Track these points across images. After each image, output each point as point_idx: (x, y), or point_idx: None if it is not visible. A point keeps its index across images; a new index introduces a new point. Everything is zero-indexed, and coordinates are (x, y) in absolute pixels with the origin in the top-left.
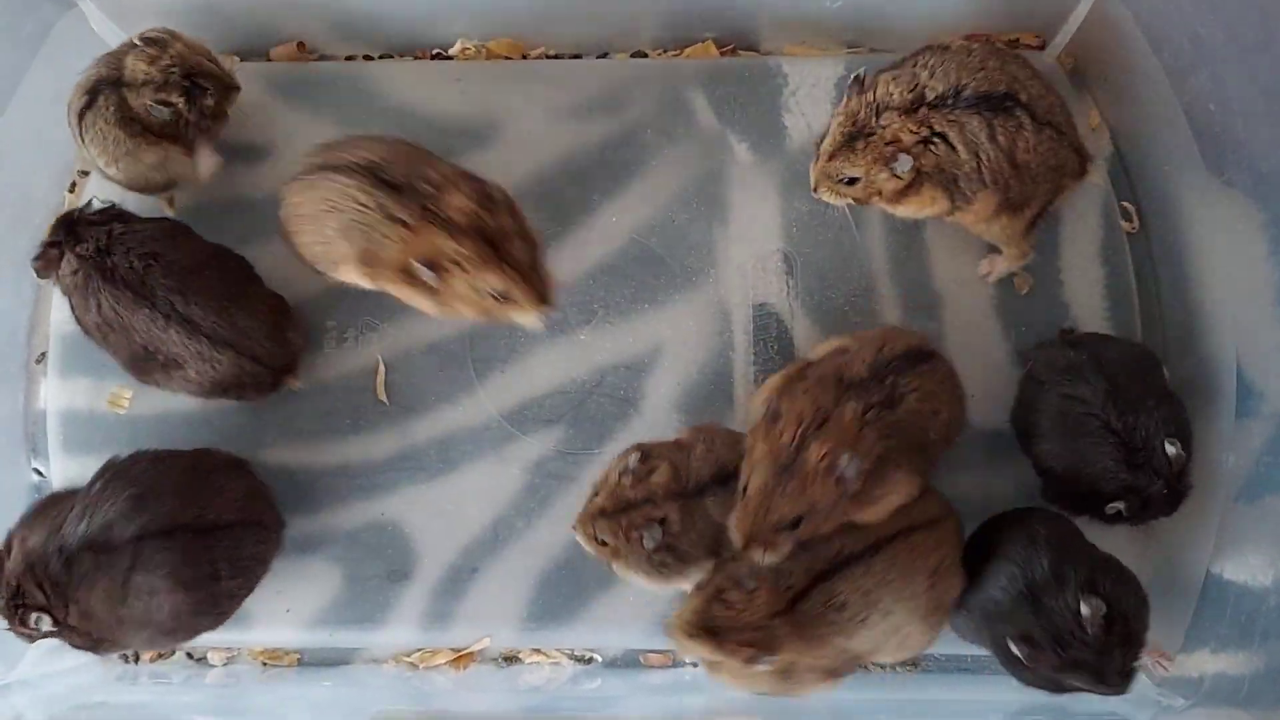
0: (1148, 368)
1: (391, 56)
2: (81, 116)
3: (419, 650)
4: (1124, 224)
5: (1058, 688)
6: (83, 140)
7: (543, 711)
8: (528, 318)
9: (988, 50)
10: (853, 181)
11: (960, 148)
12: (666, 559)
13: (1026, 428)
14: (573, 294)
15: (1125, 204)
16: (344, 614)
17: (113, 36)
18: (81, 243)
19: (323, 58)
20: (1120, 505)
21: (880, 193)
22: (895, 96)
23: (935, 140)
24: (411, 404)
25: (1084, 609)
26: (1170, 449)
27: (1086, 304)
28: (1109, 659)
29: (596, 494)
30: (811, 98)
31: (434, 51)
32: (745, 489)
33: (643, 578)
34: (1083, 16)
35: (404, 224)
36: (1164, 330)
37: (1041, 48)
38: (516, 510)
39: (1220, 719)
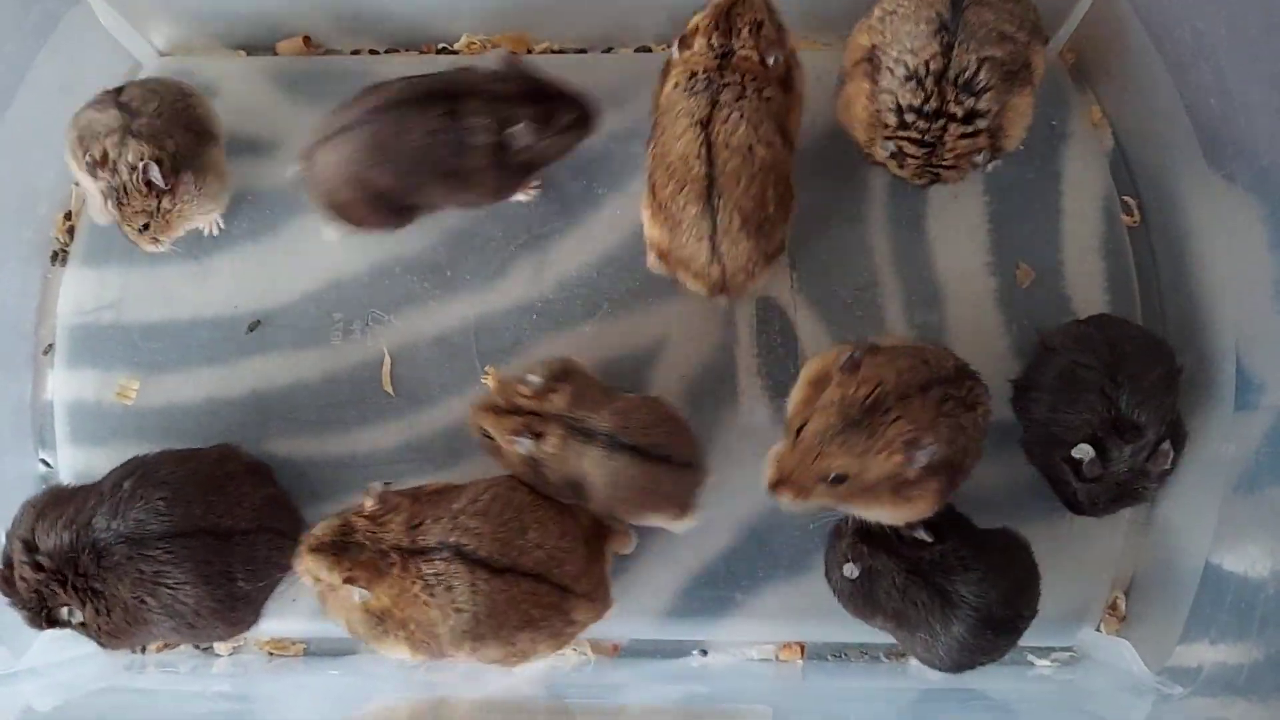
0: (1161, 359)
1: (397, 51)
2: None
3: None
4: (1125, 218)
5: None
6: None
7: (548, 700)
8: None
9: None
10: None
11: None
12: (530, 476)
13: (1028, 385)
14: (577, 288)
15: (1126, 198)
16: None
17: (120, 30)
18: None
19: (328, 52)
20: (1089, 450)
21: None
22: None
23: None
24: (417, 396)
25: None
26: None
27: (1087, 297)
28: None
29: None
30: (814, 91)
31: (439, 46)
32: (799, 430)
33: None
34: (1084, 11)
35: None
36: (1164, 323)
37: (1044, 43)
38: None
39: (1218, 707)
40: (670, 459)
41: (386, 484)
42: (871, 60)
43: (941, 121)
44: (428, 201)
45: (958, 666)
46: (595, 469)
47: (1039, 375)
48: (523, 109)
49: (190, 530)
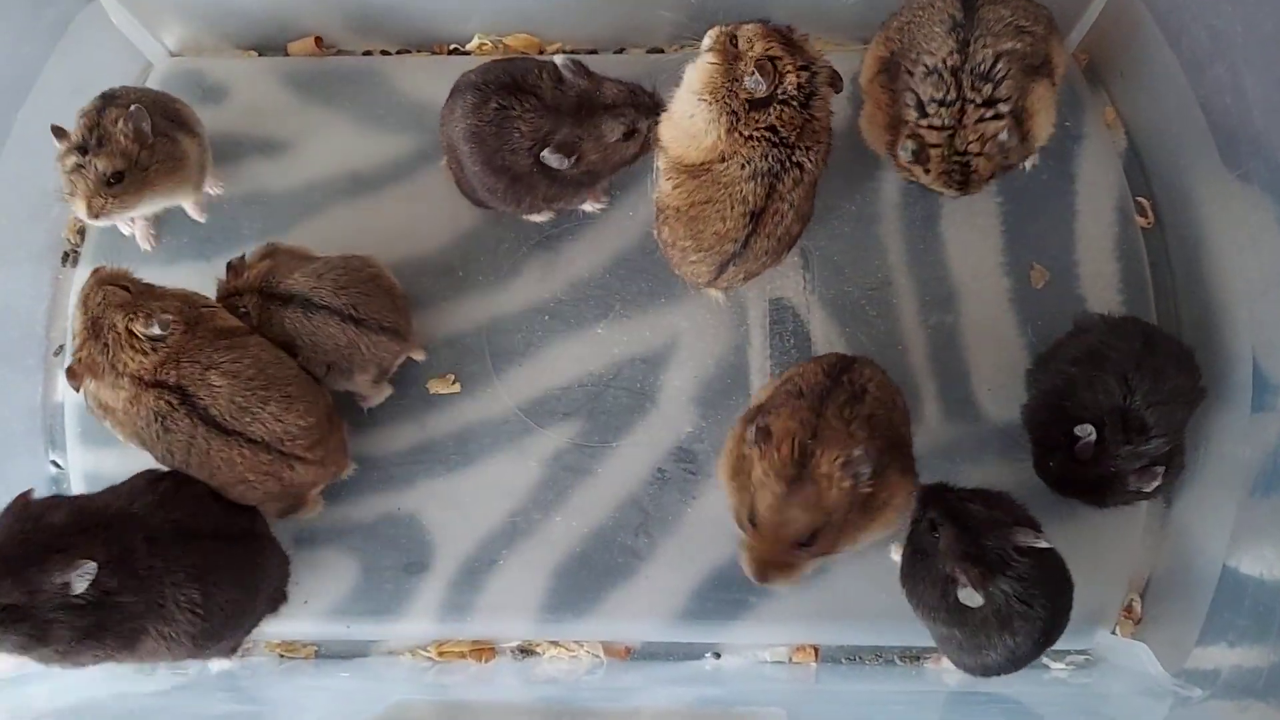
0: (1190, 372)
1: (409, 52)
2: None
3: (436, 642)
4: (1139, 219)
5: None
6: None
7: (560, 703)
8: None
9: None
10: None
11: None
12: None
13: (1050, 357)
14: (589, 288)
15: (1140, 199)
16: (361, 606)
17: (132, 30)
18: None
19: (340, 52)
20: (1092, 430)
21: None
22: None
23: None
24: (429, 397)
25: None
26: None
27: (1102, 298)
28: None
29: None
30: None
31: (451, 47)
32: (751, 517)
33: None
34: (1098, 12)
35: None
36: (1179, 324)
37: (1061, 38)
38: (533, 503)
39: (1237, 710)
40: (364, 320)
41: (174, 320)
42: (889, 70)
43: (959, 103)
44: (489, 191)
45: (994, 673)
46: (296, 331)
47: (1064, 349)
48: (565, 125)
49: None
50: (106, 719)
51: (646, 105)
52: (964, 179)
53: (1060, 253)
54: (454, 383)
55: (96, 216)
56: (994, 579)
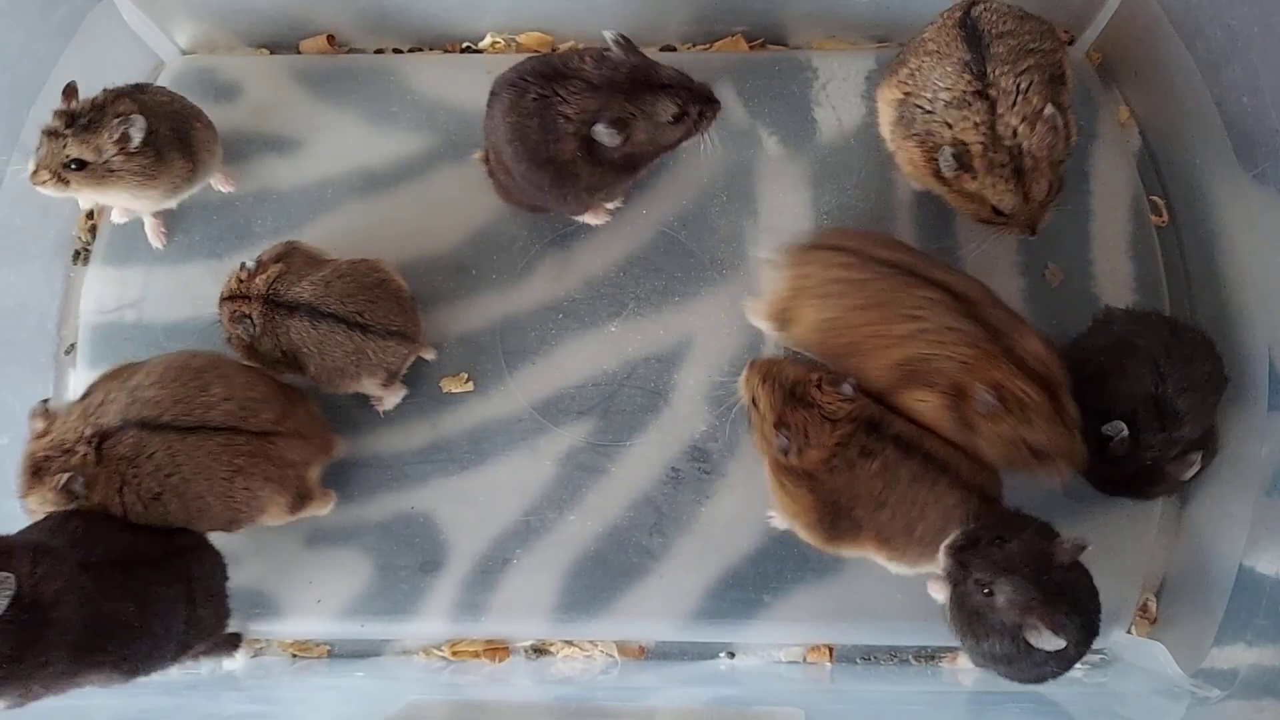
0: (1214, 360)
1: (421, 50)
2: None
3: (449, 641)
4: (1154, 217)
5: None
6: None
7: (574, 702)
8: (1053, 479)
9: None
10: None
11: None
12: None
13: (1074, 353)
14: (603, 287)
15: (1154, 198)
16: (375, 605)
17: (144, 28)
18: None
19: (352, 51)
20: (1122, 427)
21: None
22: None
23: None
24: (443, 396)
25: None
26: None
27: (1116, 297)
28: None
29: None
30: (841, 91)
31: (463, 45)
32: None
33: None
34: (1113, 11)
35: (975, 345)
36: (1194, 322)
37: (1070, 42)
38: (547, 502)
39: (1256, 710)
40: (370, 326)
41: (45, 401)
42: (903, 116)
43: (990, 101)
44: (537, 189)
45: (1049, 679)
46: (302, 340)
47: (1089, 341)
48: (616, 101)
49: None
50: (115, 717)
51: (700, 91)
52: (1018, 170)
53: (1075, 252)
54: (467, 381)
55: (39, 185)
56: (1058, 609)
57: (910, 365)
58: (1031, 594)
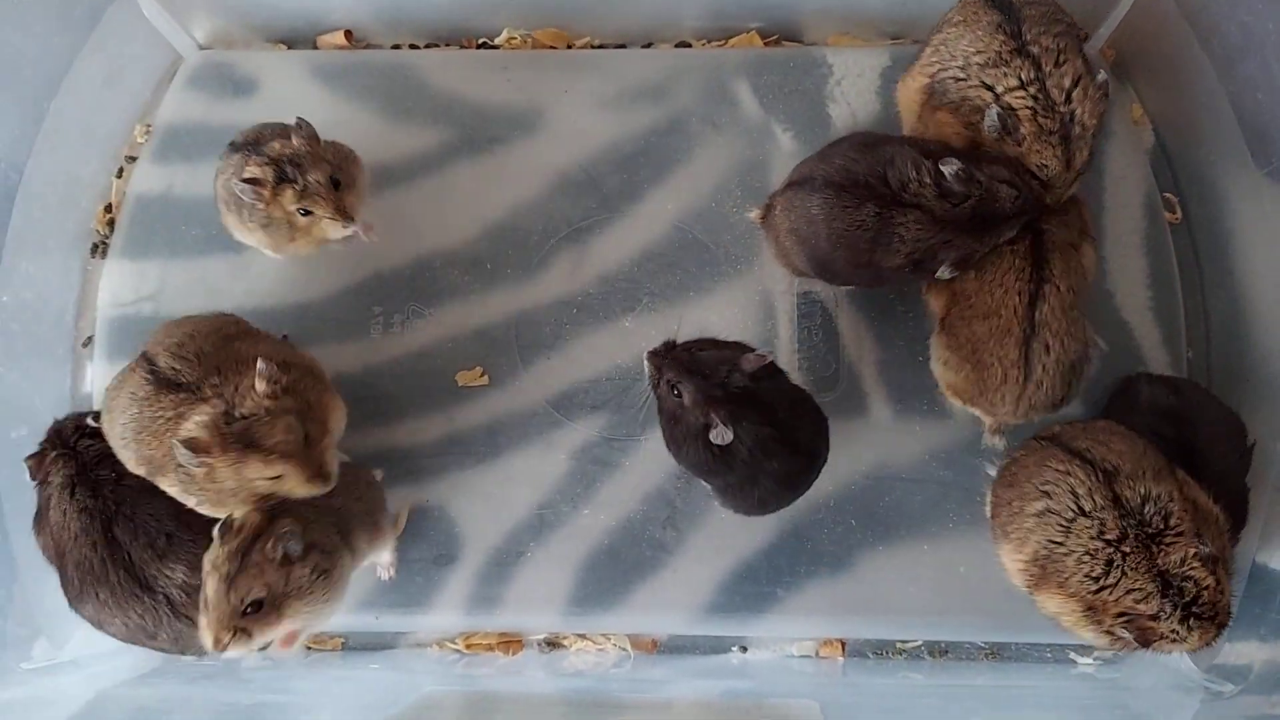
0: (1237, 439)
1: (438, 46)
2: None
3: (463, 634)
4: (1167, 215)
5: None
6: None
7: (588, 695)
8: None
9: None
10: None
11: None
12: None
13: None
14: (618, 281)
15: (1168, 195)
16: (389, 598)
17: (163, 23)
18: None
19: (369, 46)
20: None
21: None
22: None
23: None
24: (458, 390)
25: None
26: None
27: (1130, 294)
28: None
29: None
30: (856, 88)
31: (480, 41)
32: None
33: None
34: (1127, 7)
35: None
36: (1207, 319)
37: (1084, 39)
38: (562, 496)
39: (1269, 705)
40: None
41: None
42: (934, 93)
43: (1032, 59)
44: (835, 275)
45: (771, 507)
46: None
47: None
48: (960, 240)
49: None
50: (133, 708)
51: (1037, 198)
52: (1066, 137)
53: None
54: (482, 375)
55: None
56: (742, 413)
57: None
58: (713, 392)
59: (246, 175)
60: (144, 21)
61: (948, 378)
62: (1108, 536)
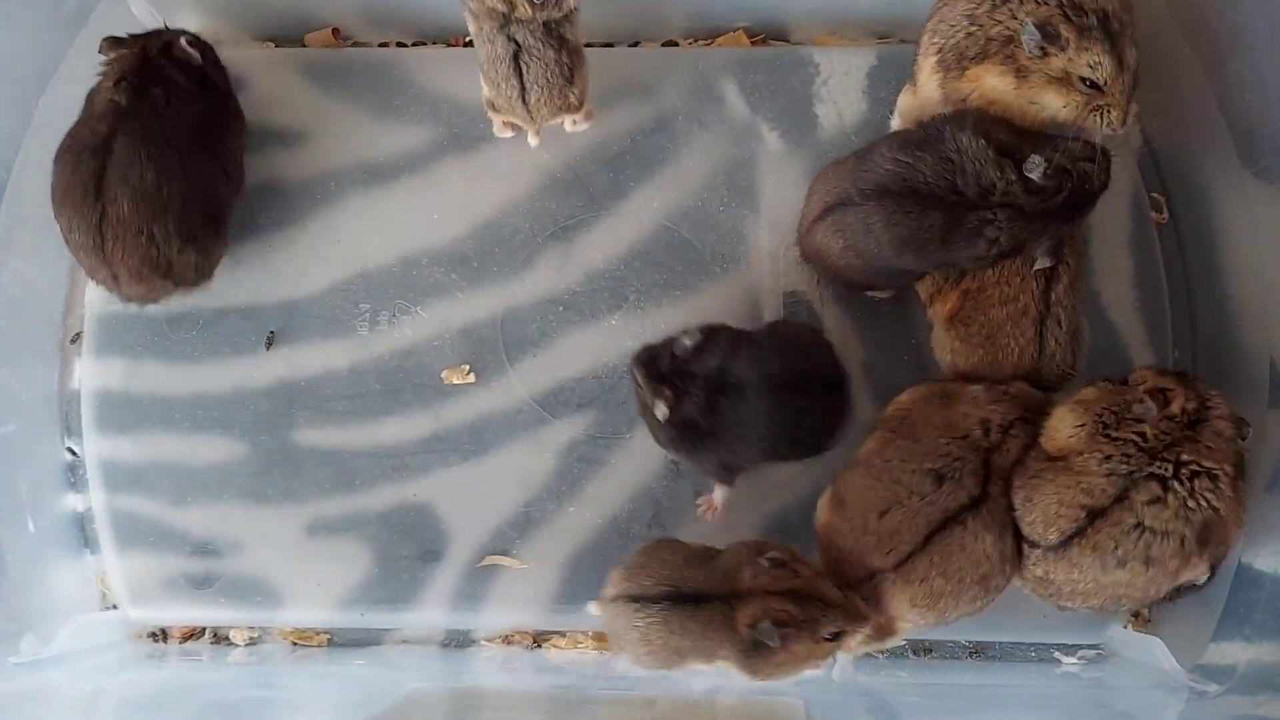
0: None
1: (425, 44)
2: None
3: (449, 631)
4: (1154, 214)
5: None
6: None
7: (573, 691)
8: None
9: None
10: None
11: None
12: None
13: None
14: (604, 280)
15: (1154, 194)
16: (375, 594)
17: (152, 20)
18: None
19: (357, 44)
20: None
21: None
22: None
23: None
24: (444, 387)
25: None
26: None
27: (1116, 294)
28: None
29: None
30: (842, 87)
31: (467, 39)
32: None
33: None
34: None
35: None
36: (1194, 320)
37: None
38: (547, 493)
39: (1255, 705)
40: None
41: None
42: (948, 68)
43: None
44: (891, 278)
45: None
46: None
47: None
48: (1051, 226)
49: None
50: (120, 703)
51: (1107, 169)
52: (1109, 33)
53: None
54: (468, 373)
55: None
56: (685, 388)
57: None
58: (650, 372)
59: None
60: (133, 19)
61: (957, 365)
62: None
